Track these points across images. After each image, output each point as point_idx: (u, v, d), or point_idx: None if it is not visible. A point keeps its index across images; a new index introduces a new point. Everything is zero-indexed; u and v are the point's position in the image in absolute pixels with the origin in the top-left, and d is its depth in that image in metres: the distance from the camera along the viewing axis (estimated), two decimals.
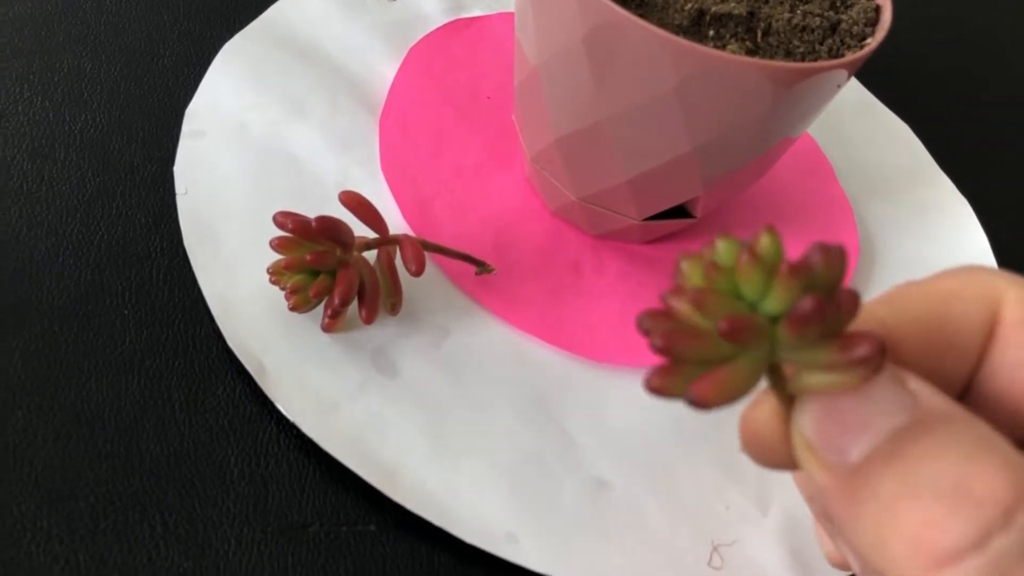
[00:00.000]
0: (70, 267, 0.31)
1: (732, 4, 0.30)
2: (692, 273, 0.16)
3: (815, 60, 0.30)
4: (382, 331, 0.31)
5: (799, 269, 0.15)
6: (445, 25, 0.42)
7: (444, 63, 0.40)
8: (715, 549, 0.29)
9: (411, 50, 0.40)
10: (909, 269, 0.39)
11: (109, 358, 0.29)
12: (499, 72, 0.41)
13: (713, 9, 0.30)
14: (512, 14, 0.43)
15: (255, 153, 0.35)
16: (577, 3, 0.28)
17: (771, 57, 0.29)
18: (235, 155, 0.35)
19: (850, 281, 0.38)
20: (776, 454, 0.18)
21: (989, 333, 0.18)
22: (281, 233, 0.29)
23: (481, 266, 0.33)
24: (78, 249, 0.31)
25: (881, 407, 0.16)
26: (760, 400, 0.18)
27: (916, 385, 0.16)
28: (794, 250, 0.40)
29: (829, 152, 0.43)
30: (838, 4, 0.32)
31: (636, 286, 0.35)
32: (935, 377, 0.18)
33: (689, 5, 0.30)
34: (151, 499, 0.27)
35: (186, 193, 0.33)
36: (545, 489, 0.29)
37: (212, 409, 0.29)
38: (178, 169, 0.33)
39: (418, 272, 0.30)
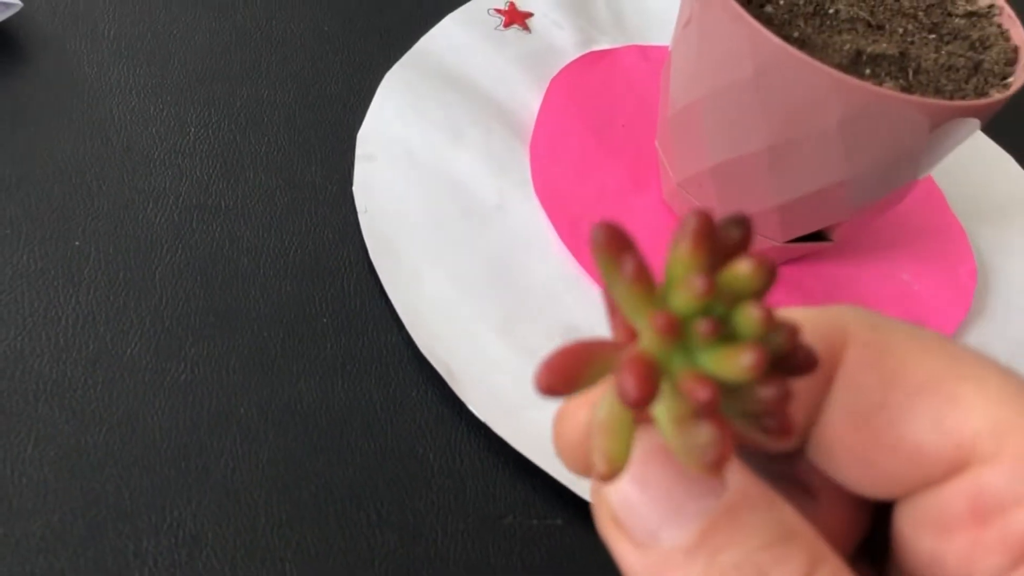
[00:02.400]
0: (271, 279, 0.33)
1: (884, 45, 0.33)
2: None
3: (963, 98, 0.32)
4: (549, 341, 0.34)
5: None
6: (580, 58, 0.44)
7: (582, 93, 0.43)
8: None
9: (552, 81, 0.43)
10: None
11: (315, 362, 0.32)
12: (631, 101, 0.43)
13: (869, 49, 0.32)
14: (637, 47, 0.46)
15: (422, 175, 0.38)
16: (748, 41, 0.31)
17: (922, 94, 0.32)
18: (405, 176, 0.37)
19: (969, 307, 0.40)
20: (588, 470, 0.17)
21: (828, 374, 0.16)
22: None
23: None
24: (276, 262, 0.34)
25: (692, 487, 0.15)
26: (584, 403, 0.17)
27: None
28: (917, 272, 0.42)
29: (938, 181, 0.45)
30: (977, 45, 0.35)
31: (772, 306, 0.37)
32: None
33: (848, 46, 0.32)
34: (365, 490, 0.29)
35: (366, 211, 0.36)
36: None
37: (409, 410, 0.31)
38: (357, 189, 0.36)
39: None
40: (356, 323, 0.33)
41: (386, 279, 0.34)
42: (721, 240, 0.14)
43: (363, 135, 0.38)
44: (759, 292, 0.13)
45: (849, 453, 0.16)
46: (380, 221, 0.36)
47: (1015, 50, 0.34)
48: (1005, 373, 0.16)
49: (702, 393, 0.13)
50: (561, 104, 0.42)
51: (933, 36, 0.34)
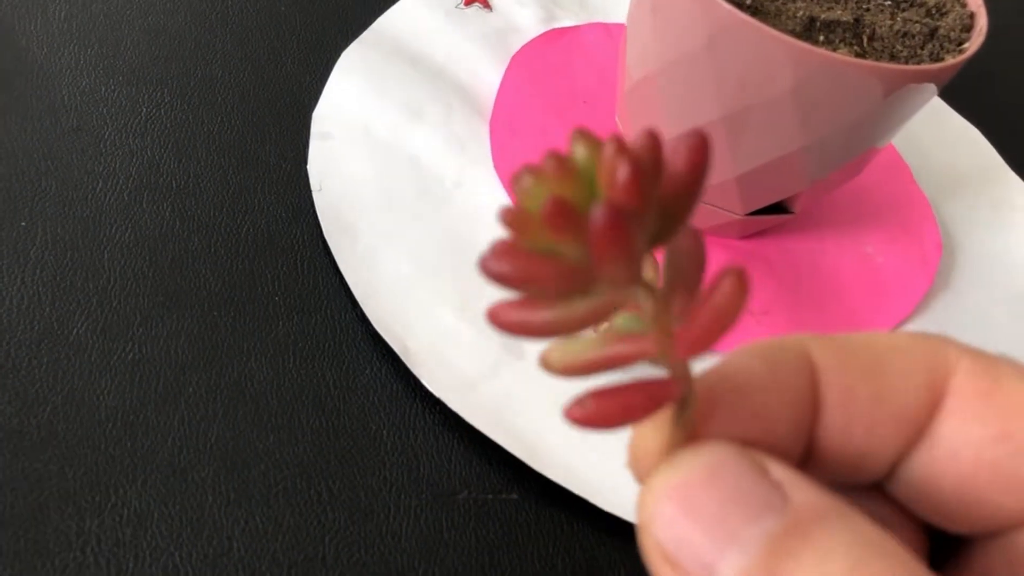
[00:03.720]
0: (222, 258, 0.33)
1: (839, 11, 0.33)
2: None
3: (919, 64, 0.32)
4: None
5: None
6: (542, 35, 0.44)
7: (543, 70, 0.43)
8: None
9: (513, 58, 0.42)
10: (990, 264, 0.41)
11: (266, 341, 0.31)
12: (592, 78, 0.43)
13: (823, 16, 0.32)
14: (601, 25, 0.46)
15: (379, 153, 0.37)
16: (701, 10, 0.30)
17: (877, 59, 0.32)
18: (361, 155, 0.37)
19: (933, 280, 0.39)
20: None
21: (933, 401, 0.15)
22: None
23: None
24: (228, 241, 0.33)
25: (747, 508, 0.13)
26: (654, 426, 0.15)
27: (781, 474, 0.14)
28: (880, 244, 0.42)
29: (904, 154, 0.45)
30: (933, 11, 0.34)
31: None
32: (861, 441, 0.16)
33: (801, 12, 0.32)
34: (315, 468, 0.29)
35: (320, 190, 0.35)
36: None
37: (363, 387, 0.31)
38: (311, 168, 0.36)
39: None
40: (309, 302, 0.32)
41: (340, 257, 0.33)
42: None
43: (319, 114, 0.38)
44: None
45: (951, 486, 0.15)
46: (335, 199, 0.35)
47: (971, 16, 0.34)
48: None
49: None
50: (522, 81, 0.42)
51: (889, 3, 0.34)
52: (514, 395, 0.32)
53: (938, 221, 0.42)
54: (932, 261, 0.40)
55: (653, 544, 0.14)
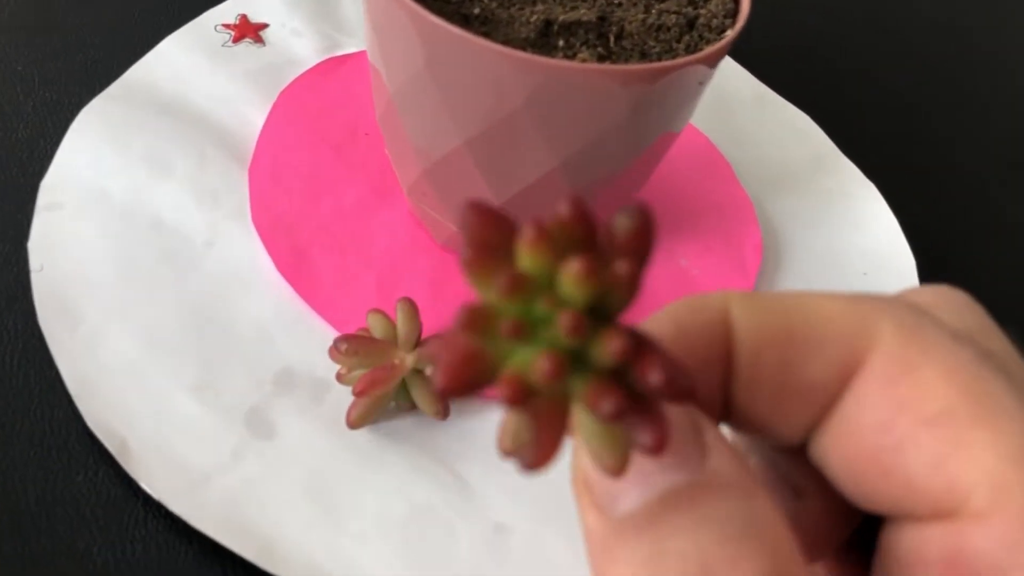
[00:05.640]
0: None
1: (582, 11, 0.29)
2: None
3: (672, 59, 0.28)
4: (257, 390, 0.30)
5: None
6: (316, 65, 0.40)
7: (319, 104, 0.39)
8: None
9: (281, 94, 0.39)
10: (819, 261, 0.38)
11: None
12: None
13: (561, 18, 0.28)
14: None
15: (117, 220, 0.33)
16: (414, 28, 0.27)
17: (626, 60, 0.28)
18: (95, 224, 0.33)
19: (756, 280, 0.36)
20: None
21: (844, 378, 0.15)
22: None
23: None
24: None
25: (668, 460, 0.13)
26: None
27: (712, 438, 0.14)
28: (696, 256, 0.38)
29: (728, 150, 0.42)
30: (696, 0, 0.31)
31: None
32: (766, 408, 0.15)
33: (535, 16, 0.28)
34: None
35: (42, 269, 0.31)
36: (439, 541, 0.28)
37: (71, 498, 0.27)
38: (32, 245, 0.32)
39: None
40: (16, 404, 0.28)
41: (55, 346, 0.29)
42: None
43: (48, 183, 0.34)
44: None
45: (844, 464, 0.15)
46: (58, 279, 0.31)
47: (735, 1, 0.31)
48: None
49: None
50: (291, 119, 0.38)
51: None
52: (257, 483, 0.28)
53: (765, 220, 0.39)
54: (751, 268, 0.36)
55: (578, 465, 0.14)
